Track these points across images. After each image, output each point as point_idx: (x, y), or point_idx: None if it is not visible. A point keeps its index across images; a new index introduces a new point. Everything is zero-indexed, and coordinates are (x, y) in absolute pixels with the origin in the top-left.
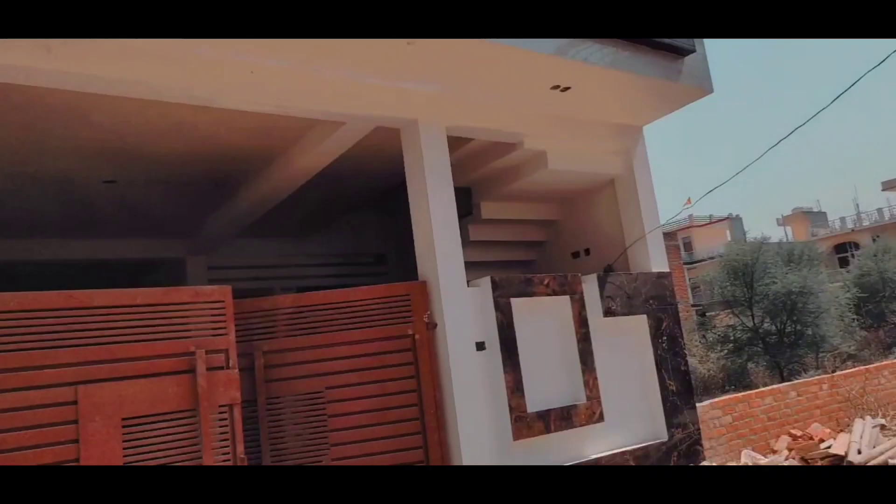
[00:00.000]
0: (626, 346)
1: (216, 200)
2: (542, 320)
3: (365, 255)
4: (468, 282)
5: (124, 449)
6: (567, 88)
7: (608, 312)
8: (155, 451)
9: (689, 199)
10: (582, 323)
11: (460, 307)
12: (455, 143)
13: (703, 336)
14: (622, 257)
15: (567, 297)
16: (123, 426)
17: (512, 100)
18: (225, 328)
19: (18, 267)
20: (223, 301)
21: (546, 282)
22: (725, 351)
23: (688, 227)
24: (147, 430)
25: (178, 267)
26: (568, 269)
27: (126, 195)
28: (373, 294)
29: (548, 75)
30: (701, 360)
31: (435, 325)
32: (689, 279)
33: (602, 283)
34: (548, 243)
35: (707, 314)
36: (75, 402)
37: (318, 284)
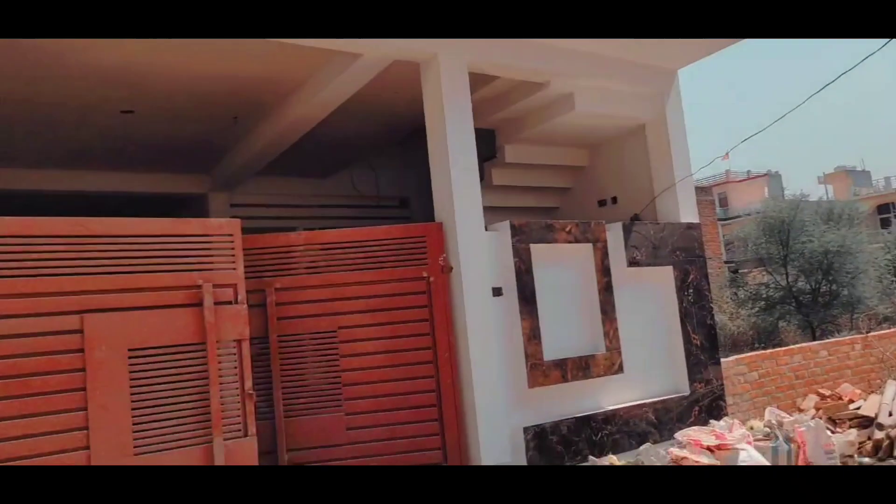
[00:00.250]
0: (650, 297)
1: (235, 136)
2: (563, 268)
3: (388, 198)
4: (487, 226)
5: (131, 380)
6: None
7: (632, 262)
8: (162, 384)
9: (726, 154)
10: (604, 272)
11: (477, 251)
12: (479, 80)
13: (735, 293)
14: (650, 207)
15: (590, 245)
16: (129, 357)
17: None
18: (234, 263)
19: (37, 198)
20: (232, 235)
21: (568, 228)
22: (757, 308)
23: (724, 183)
24: (154, 362)
25: (202, 203)
26: (593, 217)
27: (145, 127)
28: (387, 234)
29: None
30: (731, 317)
31: (450, 269)
32: (723, 235)
33: (627, 232)
34: (574, 190)
35: (739, 271)
36: (81, 332)
37: (341, 226)
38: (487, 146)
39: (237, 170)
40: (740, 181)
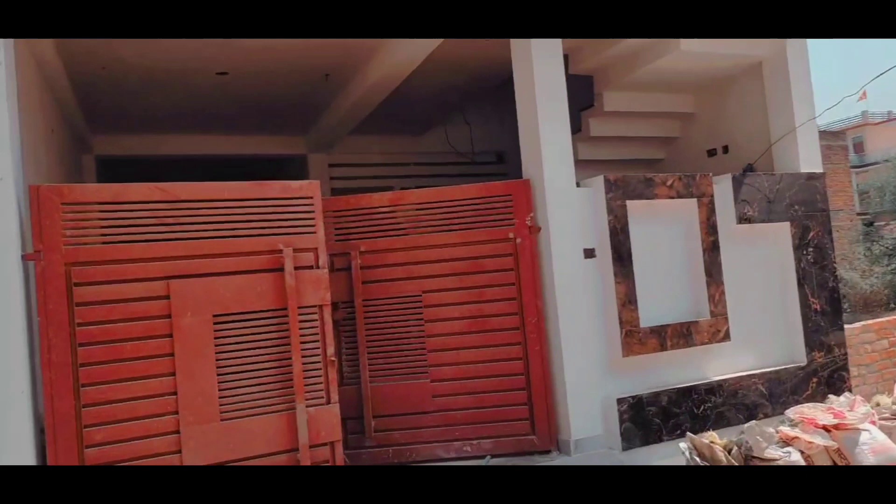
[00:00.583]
0: (763, 257)
1: (328, 94)
2: (663, 226)
3: (484, 153)
4: (581, 181)
5: (216, 346)
6: None
7: (743, 218)
8: (245, 350)
9: (863, 93)
10: (710, 230)
11: (568, 209)
12: None
13: (868, 248)
14: (766, 156)
15: (694, 201)
16: (214, 322)
17: None
18: (314, 226)
19: (143, 162)
20: (311, 197)
21: (669, 182)
22: (893, 266)
23: (860, 126)
24: (237, 328)
25: (302, 164)
26: (703, 168)
27: (240, 88)
28: (472, 193)
29: None
30: (863, 275)
31: (538, 229)
32: (858, 184)
33: (737, 185)
34: (681, 140)
35: (875, 224)
36: (168, 297)
37: (438, 183)
38: (584, 94)
39: (333, 129)
40: (879, 123)
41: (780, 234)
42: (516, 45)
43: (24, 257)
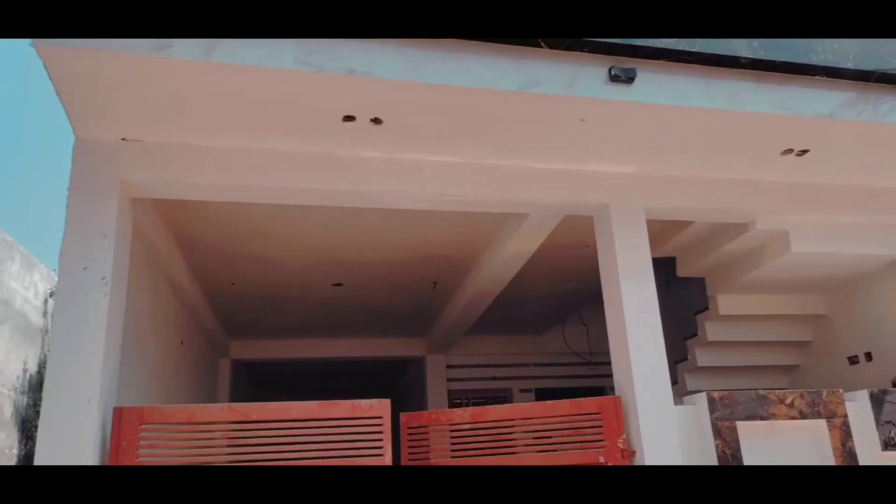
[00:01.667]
0: None
1: (439, 300)
2: (787, 452)
3: (602, 353)
4: (694, 391)
5: None
6: (804, 152)
7: (889, 444)
8: None
9: None
10: (847, 457)
11: (665, 431)
12: (675, 227)
13: None
14: None
15: (823, 422)
16: None
17: (730, 171)
18: (381, 447)
19: (279, 366)
20: (381, 417)
21: (789, 401)
22: None
23: None
24: None
25: (421, 365)
26: (845, 377)
27: (355, 298)
28: (557, 411)
29: (774, 136)
30: None
31: (633, 453)
32: None
33: (877, 404)
34: (815, 344)
35: None
36: None
37: (556, 386)
38: (698, 297)
39: (449, 331)
40: None
41: None
42: (602, 252)
43: None
